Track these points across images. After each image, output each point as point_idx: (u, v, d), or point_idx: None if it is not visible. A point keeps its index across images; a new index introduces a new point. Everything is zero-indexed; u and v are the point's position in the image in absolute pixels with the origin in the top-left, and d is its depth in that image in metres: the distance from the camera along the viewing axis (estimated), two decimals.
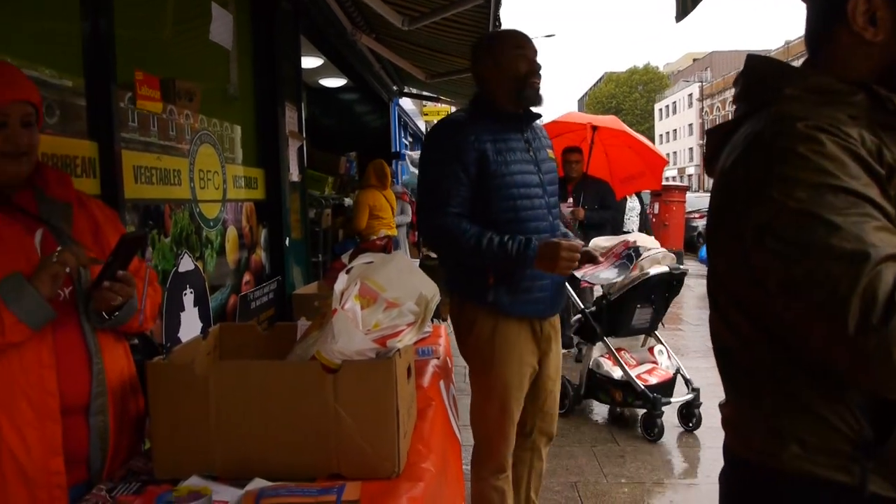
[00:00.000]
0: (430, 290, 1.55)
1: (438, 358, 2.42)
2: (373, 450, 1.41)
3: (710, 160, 1.11)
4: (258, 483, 1.37)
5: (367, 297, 1.51)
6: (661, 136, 65.92)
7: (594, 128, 5.67)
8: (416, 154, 12.05)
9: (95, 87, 2.55)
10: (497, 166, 2.21)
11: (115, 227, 1.70)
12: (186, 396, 1.42)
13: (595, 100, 73.91)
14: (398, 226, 7.04)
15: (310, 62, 6.33)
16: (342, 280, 1.48)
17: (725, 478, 1.12)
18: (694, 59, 67.61)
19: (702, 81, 54.33)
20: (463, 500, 2.15)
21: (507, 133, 2.29)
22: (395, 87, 9.53)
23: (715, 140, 1.11)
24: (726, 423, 1.12)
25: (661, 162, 5.91)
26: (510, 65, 2.25)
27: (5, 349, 1.35)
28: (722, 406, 1.13)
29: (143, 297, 1.59)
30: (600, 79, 79.64)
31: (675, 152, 59.06)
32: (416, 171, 11.22)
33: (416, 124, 14.01)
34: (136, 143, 2.86)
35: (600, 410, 4.62)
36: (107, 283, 1.48)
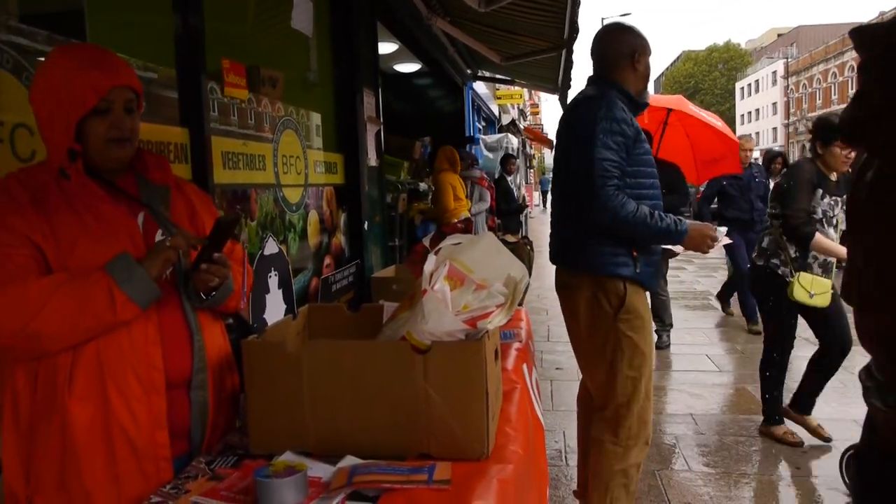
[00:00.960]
0: (519, 272, 1.53)
1: (521, 341, 2.40)
2: (462, 430, 1.41)
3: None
4: (350, 460, 1.39)
5: (455, 279, 1.51)
6: (742, 116, 63.46)
7: (669, 111, 5.50)
8: (489, 138, 12.00)
9: (186, 76, 2.64)
10: (640, 145, 2.43)
11: (210, 211, 1.75)
12: (280, 374, 1.45)
13: (672, 80, 71.72)
14: (477, 213, 7.05)
15: (385, 48, 6.37)
16: (431, 261, 1.48)
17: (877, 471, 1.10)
18: (778, 35, 64.66)
19: (787, 58, 51.90)
20: (547, 485, 2.13)
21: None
22: (468, 71, 9.49)
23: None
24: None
25: (735, 144, 5.68)
26: (645, 70, 2.60)
27: (116, 327, 1.41)
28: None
29: (244, 279, 1.65)
30: (678, 58, 77.20)
31: (757, 133, 56.70)
32: (491, 156, 11.21)
33: (489, 108, 13.93)
34: (223, 130, 2.94)
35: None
36: (204, 266, 1.52)
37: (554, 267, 2.67)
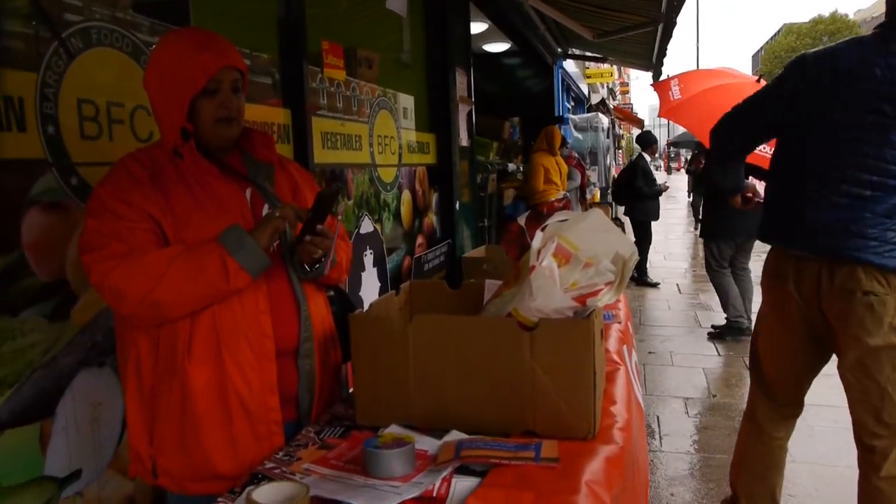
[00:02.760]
0: (627, 249, 1.49)
1: (620, 322, 2.35)
2: (569, 409, 1.39)
3: None
4: (455, 435, 1.40)
5: (562, 256, 1.48)
6: None
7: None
8: (579, 118, 11.77)
9: (288, 59, 2.70)
10: None
11: (311, 187, 1.79)
12: (386, 347, 1.47)
13: (772, 54, 68.07)
14: (567, 191, 6.93)
15: (475, 27, 6.33)
16: (538, 238, 1.45)
17: None
18: None
19: None
20: (648, 469, 2.08)
21: None
22: (559, 50, 9.32)
23: None
24: None
25: None
26: None
27: (229, 295, 1.47)
28: None
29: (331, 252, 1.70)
30: (778, 31, 73.16)
31: None
32: (581, 136, 10.99)
33: (578, 87, 13.66)
34: (323, 111, 3.00)
35: None
36: (308, 237, 1.56)
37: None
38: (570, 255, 1.48)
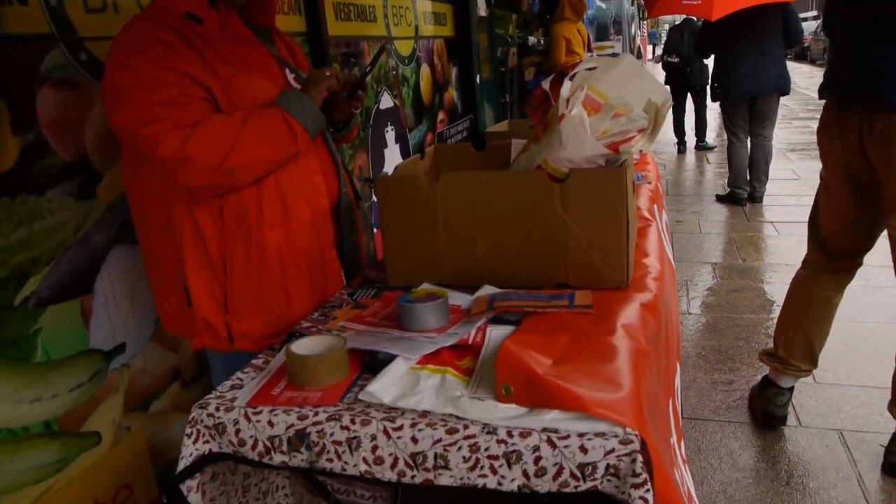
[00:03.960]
0: (661, 96, 1.42)
1: (650, 183, 2.30)
2: (602, 260, 1.37)
3: None
4: (488, 289, 1.40)
5: (591, 107, 1.42)
6: None
7: None
8: None
9: None
10: None
11: (303, 61, 1.79)
12: (415, 206, 1.45)
13: None
14: None
15: None
16: (567, 86, 1.39)
17: None
18: None
19: None
20: (680, 323, 2.09)
21: None
22: None
23: None
24: None
25: None
26: None
27: (293, 157, 1.50)
28: None
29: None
30: None
31: None
32: (602, 4, 10.47)
33: None
34: None
35: None
36: (360, 92, 1.62)
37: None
38: (600, 106, 1.42)
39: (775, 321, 2.48)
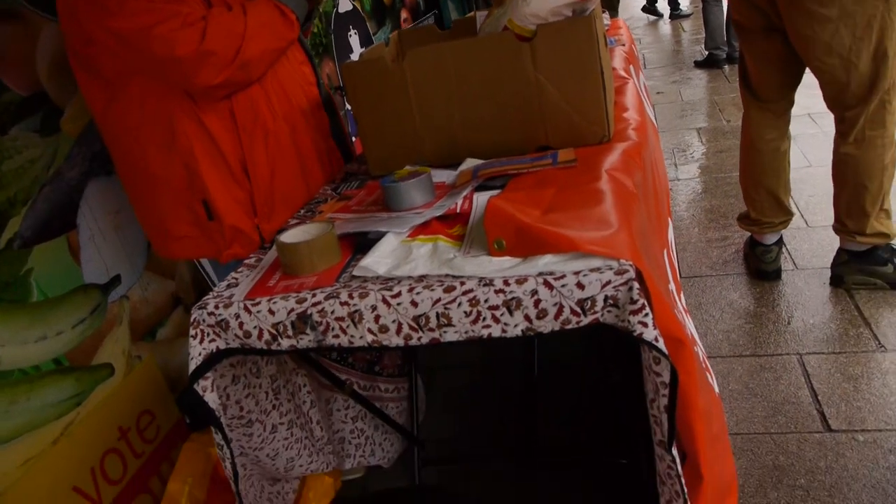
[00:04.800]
0: None
1: (624, 45, 2.25)
2: (580, 116, 1.35)
3: None
4: (471, 162, 1.39)
5: None
6: None
7: None
8: None
9: None
10: None
11: None
12: (385, 90, 1.41)
13: None
14: None
15: None
16: None
17: None
18: None
19: None
20: (667, 178, 2.09)
21: None
22: None
23: None
24: None
25: None
26: None
27: (290, 46, 1.51)
28: None
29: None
30: None
31: None
32: None
33: None
34: None
35: None
36: None
37: None
38: None
39: None
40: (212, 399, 1.10)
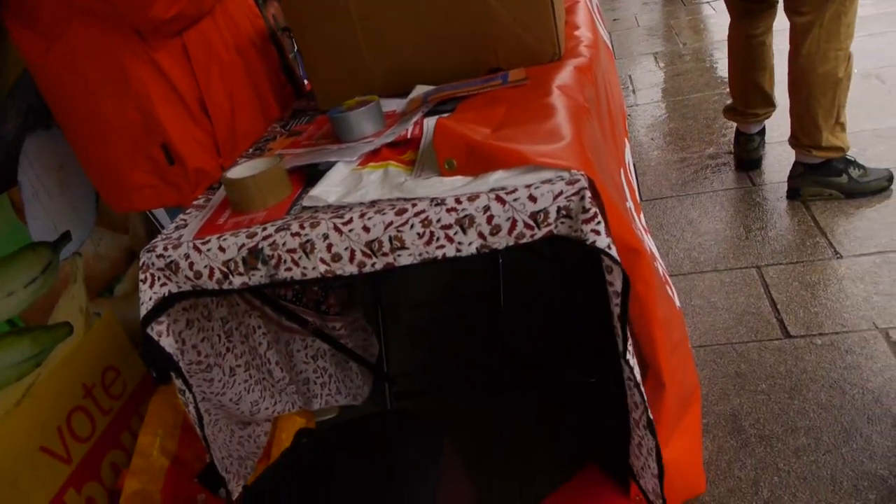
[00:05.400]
0: None
1: None
2: (529, 35, 1.31)
3: None
4: (421, 89, 1.35)
5: None
6: None
7: None
8: None
9: None
10: None
11: None
12: (329, 19, 1.36)
13: None
14: None
15: None
16: None
17: None
18: None
19: None
20: (624, 106, 2.08)
21: None
22: None
23: None
24: None
25: None
26: None
27: None
28: None
29: None
30: None
31: None
32: None
33: None
34: None
35: None
36: None
37: None
38: None
39: (720, 95, 2.51)
40: (168, 344, 1.08)
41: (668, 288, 1.31)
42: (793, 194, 2.29)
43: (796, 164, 2.26)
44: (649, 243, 1.34)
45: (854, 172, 2.19)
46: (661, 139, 2.96)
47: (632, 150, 2.43)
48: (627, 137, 2.04)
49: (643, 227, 1.46)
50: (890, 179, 2.19)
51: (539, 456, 1.59)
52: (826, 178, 2.21)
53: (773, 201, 2.31)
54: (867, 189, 2.19)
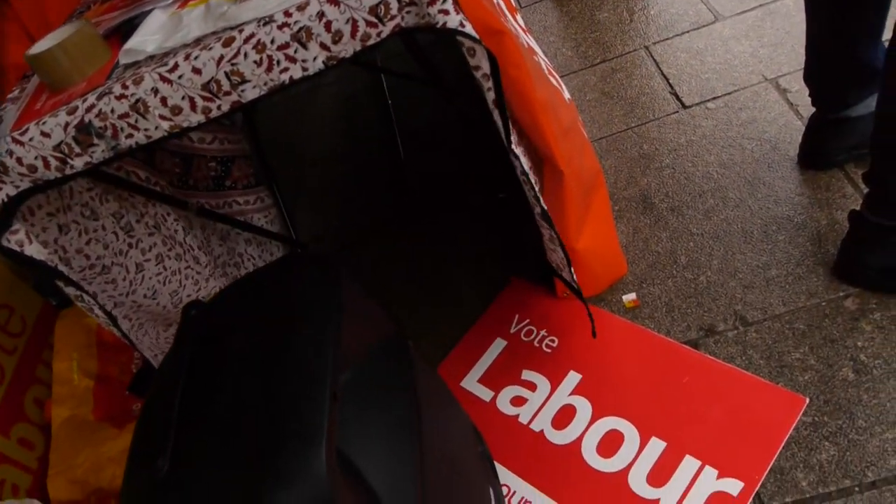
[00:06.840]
0: None
1: None
2: None
3: None
4: None
5: None
6: None
7: None
8: None
9: None
10: None
11: None
12: None
13: None
14: None
15: None
16: None
17: None
18: None
19: None
20: None
21: None
22: None
23: None
24: None
25: None
26: None
27: None
28: None
29: None
30: None
31: None
32: None
33: None
34: None
35: None
36: None
37: None
38: None
39: None
40: (35, 251, 0.98)
41: (551, 78, 1.25)
42: None
43: None
44: (527, 39, 1.25)
45: None
46: None
47: None
48: None
49: (522, 27, 1.37)
50: None
51: (463, 279, 1.58)
52: None
53: None
54: None
